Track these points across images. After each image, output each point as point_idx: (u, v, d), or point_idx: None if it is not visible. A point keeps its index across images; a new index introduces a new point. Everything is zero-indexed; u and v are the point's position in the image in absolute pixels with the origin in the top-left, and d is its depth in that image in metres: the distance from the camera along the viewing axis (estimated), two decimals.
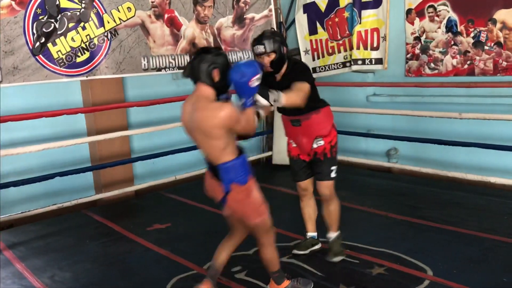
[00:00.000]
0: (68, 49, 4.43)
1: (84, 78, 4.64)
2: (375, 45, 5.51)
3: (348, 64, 5.72)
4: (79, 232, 4.36)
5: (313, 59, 5.97)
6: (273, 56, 3.01)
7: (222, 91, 2.51)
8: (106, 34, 4.64)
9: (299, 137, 3.34)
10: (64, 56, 4.43)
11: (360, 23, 5.50)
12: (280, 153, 6.24)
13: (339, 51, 5.77)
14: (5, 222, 4.45)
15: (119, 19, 4.71)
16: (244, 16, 5.75)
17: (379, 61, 5.52)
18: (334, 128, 3.38)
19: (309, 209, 3.60)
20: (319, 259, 3.47)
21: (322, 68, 5.93)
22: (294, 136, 3.39)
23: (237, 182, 2.54)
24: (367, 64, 5.59)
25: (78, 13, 4.43)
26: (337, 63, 5.82)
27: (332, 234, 3.48)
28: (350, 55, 5.64)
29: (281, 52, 3.03)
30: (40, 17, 4.24)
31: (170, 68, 5.19)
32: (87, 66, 4.58)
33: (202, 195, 5.14)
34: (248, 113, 2.51)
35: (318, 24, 5.86)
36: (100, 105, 4.95)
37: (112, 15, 4.66)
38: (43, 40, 4.29)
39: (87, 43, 4.53)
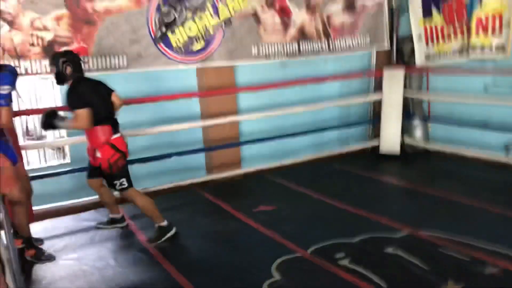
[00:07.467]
0: (186, 38, 4.73)
1: (199, 65, 4.93)
2: (496, 31, 5.12)
3: (464, 52, 5.39)
4: (191, 209, 4.67)
5: (427, 45, 5.71)
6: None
7: None
8: (220, 24, 4.86)
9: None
10: (181, 45, 4.73)
11: (480, 7, 5.14)
12: (388, 142, 6.10)
13: (456, 38, 5.46)
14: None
15: (233, 9, 4.91)
16: (356, 4, 5.67)
17: (501, 48, 5.13)
18: (110, 146, 3.70)
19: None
20: (427, 252, 3.39)
21: (436, 56, 5.66)
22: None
23: None
24: (487, 51, 5.22)
25: (195, 4, 4.70)
26: (452, 51, 5.51)
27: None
28: (468, 43, 5.31)
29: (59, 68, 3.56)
30: (162, 8, 4.57)
31: (279, 56, 5.30)
32: (202, 54, 4.86)
33: (306, 180, 5.31)
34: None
35: (433, 7, 5.57)
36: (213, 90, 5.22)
37: (227, 5, 4.87)
38: (164, 29, 4.62)
39: (203, 33, 4.78)
